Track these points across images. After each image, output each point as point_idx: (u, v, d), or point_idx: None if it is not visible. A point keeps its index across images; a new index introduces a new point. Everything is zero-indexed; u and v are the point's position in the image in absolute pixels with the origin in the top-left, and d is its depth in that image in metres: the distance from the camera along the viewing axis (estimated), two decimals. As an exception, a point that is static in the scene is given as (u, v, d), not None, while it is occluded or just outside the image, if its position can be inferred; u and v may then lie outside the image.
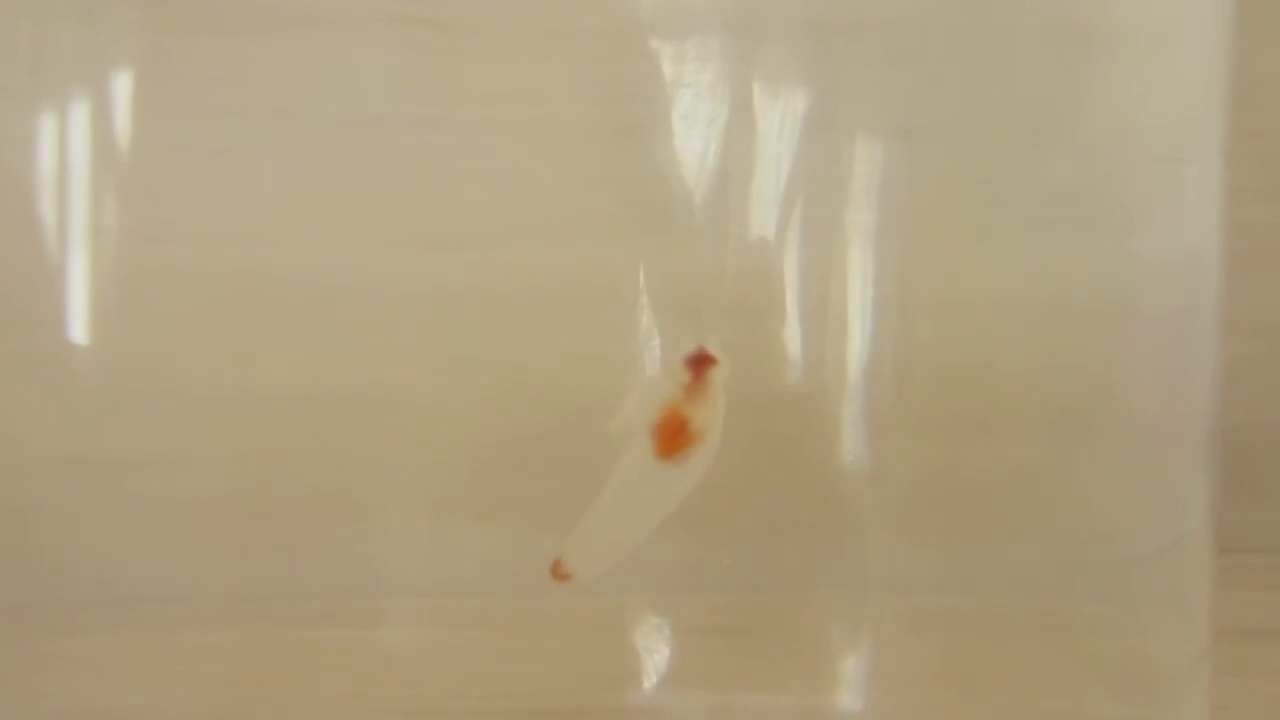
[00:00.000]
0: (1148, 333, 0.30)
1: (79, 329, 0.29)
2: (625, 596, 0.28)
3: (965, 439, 0.29)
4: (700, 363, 0.27)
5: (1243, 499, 0.45)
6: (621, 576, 0.27)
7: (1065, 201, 0.30)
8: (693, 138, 0.28)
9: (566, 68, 0.29)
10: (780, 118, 0.29)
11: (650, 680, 0.28)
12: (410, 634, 0.29)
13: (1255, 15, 0.45)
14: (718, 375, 0.27)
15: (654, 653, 0.28)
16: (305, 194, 0.29)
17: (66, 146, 0.29)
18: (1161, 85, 0.30)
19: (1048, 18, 0.30)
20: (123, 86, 0.29)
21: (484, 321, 0.29)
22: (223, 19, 0.29)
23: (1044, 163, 0.30)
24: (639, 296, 0.28)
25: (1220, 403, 0.30)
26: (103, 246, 0.29)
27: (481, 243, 0.29)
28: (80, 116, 0.28)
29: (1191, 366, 0.30)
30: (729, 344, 0.28)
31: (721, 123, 0.28)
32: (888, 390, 0.29)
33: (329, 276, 0.29)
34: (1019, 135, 0.30)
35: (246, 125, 0.29)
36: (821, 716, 0.29)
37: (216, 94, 0.29)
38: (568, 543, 0.27)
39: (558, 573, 0.27)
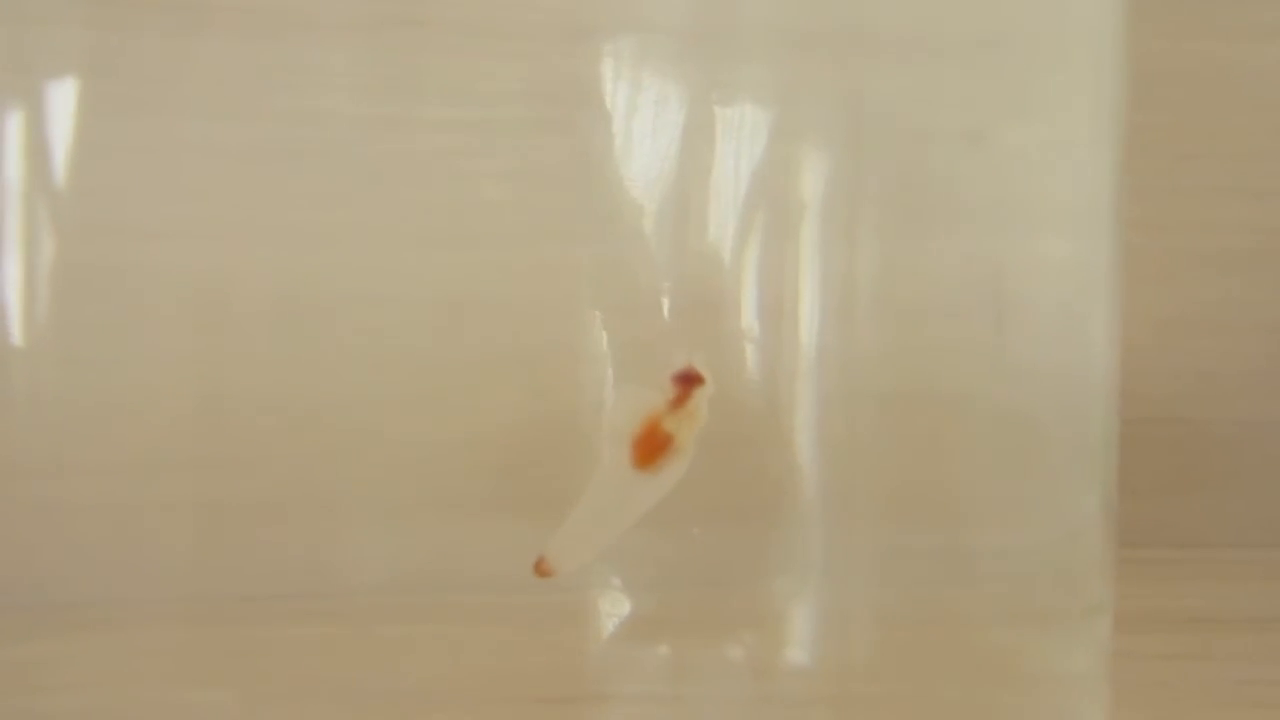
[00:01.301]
0: (1043, 329, 0.32)
1: (27, 332, 0.29)
2: (589, 591, 0.30)
3: (887, 438, 0.31)
4: (688, 381, 0.28)
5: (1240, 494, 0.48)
6: (588, 571, 0.29)
7: (990, 201, 0.31)
8: (654, 140, 0.29)
9: (530, 69, 0.29)
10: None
11: (611, 671, 0.30)
12: (381, 630, 0.30)
13: (1234, 18, 0.47)
14: (702, 394, 0.28)
15: (617, 644, 0.30)
16: (269, 195, 0.29)
17: (34, 144, 0.28)
18: (1058, 89, 0.32)
19: (977, 27, 0.31)
20: (98, 87, 0.29)
21: (459, 323, 0.30)
22: (183, 19, 0.29)
23: (968, 165, 0.31)
24: (599, 298, 0.29)
25: (1115, 399, 0.32)
26: (67, 248, 0.29)
27: (456, 244, 0.30)
28: (52, 114, 0.28)
29: (1085, 362, 0.32)
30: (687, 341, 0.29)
31: (680, 126, 0.29)
32: (830, 389, 0.30)
33: (296, 279, 0.29)
34: (951, 139, 0.31)
35: (207, 125, 0.29)
36: (775, 701, 0.30)
37: (185, 95, 0.29)
38: (550, 542, 0.28)
39: (541, 570, 0.28)
